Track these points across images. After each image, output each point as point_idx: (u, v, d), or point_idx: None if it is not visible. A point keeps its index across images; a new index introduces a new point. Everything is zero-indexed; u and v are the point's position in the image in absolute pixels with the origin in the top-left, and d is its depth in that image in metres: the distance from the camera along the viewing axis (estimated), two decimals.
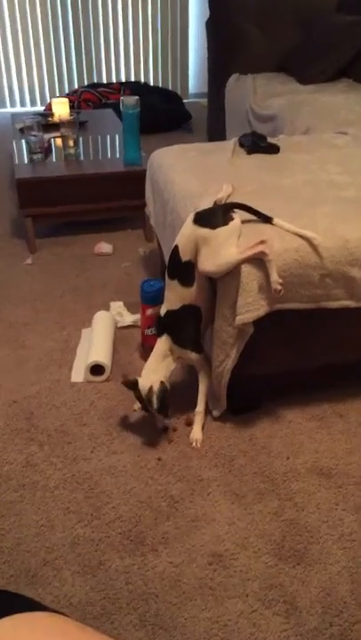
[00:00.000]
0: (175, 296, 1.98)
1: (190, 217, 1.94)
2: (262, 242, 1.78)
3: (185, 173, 2.47)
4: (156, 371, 2.00)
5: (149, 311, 2.39)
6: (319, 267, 1.85)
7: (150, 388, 1.94)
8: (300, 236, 1.85)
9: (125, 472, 1.92)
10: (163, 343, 2.03)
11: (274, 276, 1.78)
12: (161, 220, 2.68)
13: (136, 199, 3.38)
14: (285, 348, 2.03)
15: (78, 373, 2.36)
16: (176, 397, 2.15)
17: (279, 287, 1.79)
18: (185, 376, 2.34)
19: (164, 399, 1.95)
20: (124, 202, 3.51)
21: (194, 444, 2.02)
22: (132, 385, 2.00)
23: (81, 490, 1.85)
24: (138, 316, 2.68)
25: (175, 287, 1.97)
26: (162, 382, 1.95)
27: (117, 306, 2.84)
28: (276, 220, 1.90)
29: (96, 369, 2.34)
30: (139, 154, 3.52)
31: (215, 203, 2.06)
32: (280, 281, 1.80)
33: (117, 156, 3.67)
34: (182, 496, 1.83)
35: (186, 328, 2.00)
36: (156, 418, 2.01)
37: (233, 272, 1.83)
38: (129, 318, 2.74)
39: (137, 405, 2.15)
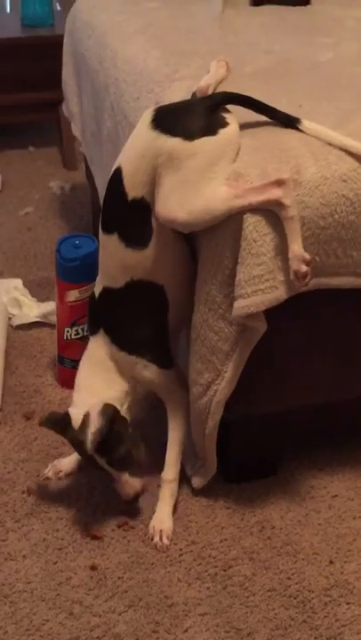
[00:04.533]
0: (115, 264, 1.99)
1: (148, 115, 1.93)
2: (279, 182, 1.78)
3: (138, 40, 2.49)
4: (96, 390, 2.01)
5: (73, 294, 2.39)
6: None
7: (85, 418, 1.94)
8: (351, 154, 1.87)
9: (30, 592, 1.91)
10: (98, 347, 2.05)
11: (295, 248, 1.79)
12: (93, 129, 2.69)
13: (45, 89, 3.42)
14: (324, 363, 2.04)
15: None
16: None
17: (304, 268, 1.78)
18: (137, 412, 2.29)
19: (114, 434, 1.94)
20: (21, 94, 3.54)
21: (156, 537, 2.02)
22: (62, 422, 2.01)
23: None
24: (51, 305, 2.68)
25: (114, 248, 1.97)
26: (107, 405, 1.96)
27: (12, 286, 2.85)
28: (306, 124, 1.90)
29: None
30: (49, 6, 3.56)
31: (195, 93, 2.06)
32: (306, 257, 1.79)
33: (8, 10, 3.79)
34: (138, 636, 1.82)
35: (136, 320, 2.01)
36: (118, 480, 2.01)
37: (228, 220, 1.82)
38: (33, 310, 2.76)
39: (50, 470, 2.16)
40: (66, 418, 2.00)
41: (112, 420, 1.95)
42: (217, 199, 1.79)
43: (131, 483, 2.01)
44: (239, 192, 1.78)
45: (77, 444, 1.98)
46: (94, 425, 1.92)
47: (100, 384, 2.02)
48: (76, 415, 1.97)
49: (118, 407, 2.00)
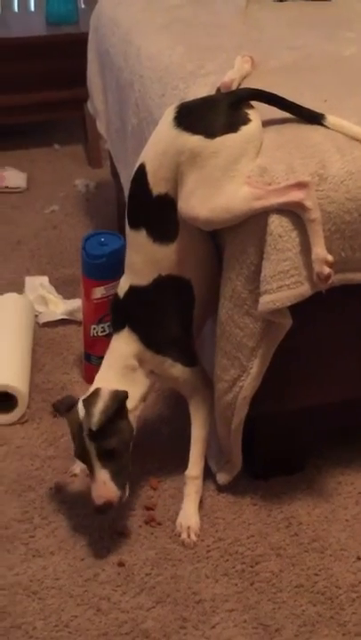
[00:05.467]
0: (143, 260, 1.99)
1: (170, 112, 1.94)
2: (301, 184, 1.77)
3: (162, 36, 2.50)
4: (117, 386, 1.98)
5: (99, 292, 2.39)
6: None
7: (95, 393, 1.93)
8: None
9: (58, 589, 1.91)
10: (123, 345, 2.03)
11: (318, 250, 1.78)
12: (118, 126, 2.70)
13: (69, 87, 3.45)
14: (350, 359, 2.04)
15: None
16: (145, 448, 2.15)
17: (327, 270, 1.78)
18: (162, 408, 2.35)
19: (114, 423, 1.91)
20: (46, 92, 3.56)
21: (184, 534, 2.02)
22: (67, 404, 2.01)
23: None
24: (77, 303, 2.69)
25: (142, 244, 1.98)
26: (122, 392, 1.94)
27: (38, 284, 2.87)
28: (331, 119, 1.90)
29: (1, 400, 2.34)
30: (73, 3, 3.58)
31: (219, 89, 2.07)
32: (329, 258, 1.79)
33: (33, 8, 3.79)
34: (166, 632, 1.82)
35: (164, 318, 2.01)
36: (96, 479, 1.93)
37: (253, 216, 1.82)
38: (60, 307, 2.77)
39: (78, 467, 2.15)
40: (72, 401, 1.99)
41: (120, 407, 1.92)
42: (238, 199, 1.79)
43: (108, 486, 1.90)
44: (261, 193, 1.78)
45: (74, 424, 1.94)
46: (104, 403, 1.89)
47: (120, 381, 1.99)
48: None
49: (135, 401, 1.98)
